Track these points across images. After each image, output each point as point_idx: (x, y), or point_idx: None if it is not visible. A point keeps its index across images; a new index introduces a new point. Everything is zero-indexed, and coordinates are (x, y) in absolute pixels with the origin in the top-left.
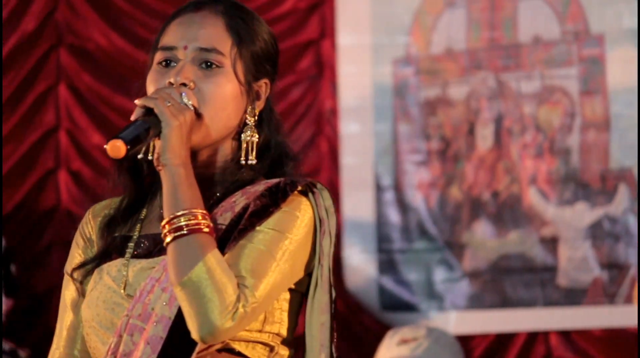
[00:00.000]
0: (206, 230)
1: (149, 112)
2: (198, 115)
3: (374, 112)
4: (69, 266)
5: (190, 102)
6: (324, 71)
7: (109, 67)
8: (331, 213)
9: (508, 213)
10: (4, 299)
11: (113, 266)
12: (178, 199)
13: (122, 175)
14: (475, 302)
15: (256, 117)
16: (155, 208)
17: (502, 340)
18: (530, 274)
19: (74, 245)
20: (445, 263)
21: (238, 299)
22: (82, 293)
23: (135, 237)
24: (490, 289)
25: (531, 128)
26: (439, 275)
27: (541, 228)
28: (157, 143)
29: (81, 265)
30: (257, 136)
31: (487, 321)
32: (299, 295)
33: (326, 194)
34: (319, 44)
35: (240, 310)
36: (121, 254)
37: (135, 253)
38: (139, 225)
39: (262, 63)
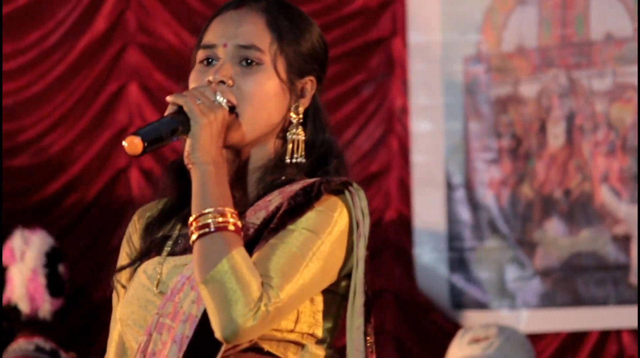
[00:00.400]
0: (232, 228)
1: (181, 109)
2: (237, 113)
3: (445, 110)
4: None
5: (224, 101)
6: (394, 69)
7: (180, 66)
8: (366, 214)
9: (580, 211)
10: (50, 299)
11: (150, 265)
12: (206, 197)
13: (166, 176)
14: (547, 301)
15: (301, 116)
16: None
17: (574, 339)
18: (603, 272)
19: (121, 249)
20: (516, 262)
21: (260, 298)
22: None
23: (175, 236)
24: (562, 287)
25: (603, 126)
26: (511, 273)
27: (613, 226)
28: (187, 141)
29: (122, 268)
30: (303, 134)
31: (558, 319)
32: (338, 298)
33: (362, 195)
34: (390, 42)
35: (262, 308)
36: (159, 253)
37: (172, 251)
38: (179, 224)
39: (306, 61)
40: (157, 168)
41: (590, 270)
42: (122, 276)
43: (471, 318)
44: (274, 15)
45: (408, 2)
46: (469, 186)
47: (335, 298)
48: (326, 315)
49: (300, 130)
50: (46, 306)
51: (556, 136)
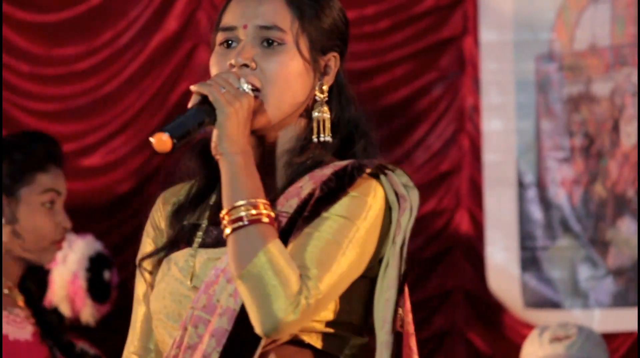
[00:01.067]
0: (266, 220)
1: (206, 99)
2: (262, 97)
3: (517, 109)
4: (140, 256)
5: (249, 87)
6: (466, 67)
7: None
8: (411, 187)
9: None
10: (93, 304)
11: (181, 257)
12: (237, 189)
13: (193, 159)
14: (620, 300)
15: (326, 94)
16: None
17: None
18: None
19: (144, 234)
20: (589, 261)
21: (300, 291)
22: (152, 285)
23: (204, 225)
24: (634, 287)
25: None
26: (583, 272)
27: None
28: (214, 132)
29: (150, 255)
30: (328, 112)
31: (631, 319)
32: (371, 281)
33: (400, 172)
34: (461, 40)
35: (303, 302)
36: (189, 243)
37: (203, 242)
38: (208, 212)
39: (328, 37)
40: None
41: None
42: (147, 262)
43: (543, 317)
44: None
45: (479, 1)
46: (541, 185)
47: (369, 282)
48: (362, 301)
49: (325, 108)
50: (87, 310)
51: (629, 134)
